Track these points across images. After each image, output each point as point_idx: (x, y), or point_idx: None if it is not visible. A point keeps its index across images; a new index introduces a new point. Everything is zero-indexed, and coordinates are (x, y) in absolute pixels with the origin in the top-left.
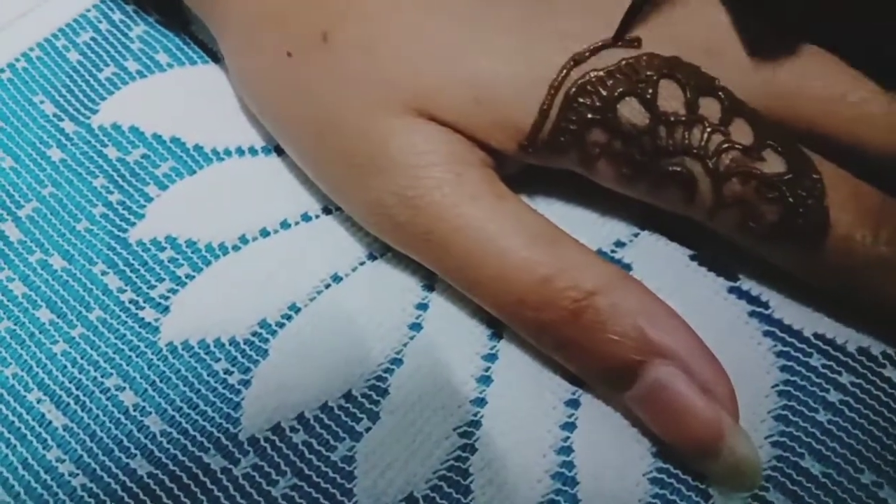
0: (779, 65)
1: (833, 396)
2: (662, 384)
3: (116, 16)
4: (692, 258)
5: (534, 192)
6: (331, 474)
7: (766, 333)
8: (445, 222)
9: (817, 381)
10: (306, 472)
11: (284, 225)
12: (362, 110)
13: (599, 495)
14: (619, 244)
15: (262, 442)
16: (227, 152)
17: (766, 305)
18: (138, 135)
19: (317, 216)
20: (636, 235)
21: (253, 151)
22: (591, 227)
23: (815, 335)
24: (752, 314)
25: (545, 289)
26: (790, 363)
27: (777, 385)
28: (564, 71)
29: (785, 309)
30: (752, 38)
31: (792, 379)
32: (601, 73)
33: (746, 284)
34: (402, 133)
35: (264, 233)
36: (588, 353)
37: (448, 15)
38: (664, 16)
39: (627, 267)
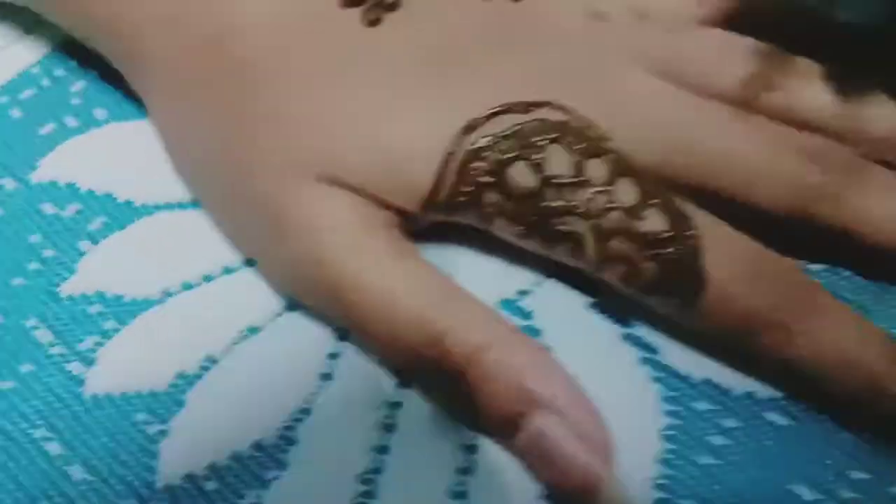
0: (673, 123)
1: (717, 441)
2: (541, 433)
3: (58, 72)
4: (591, 306)
5: (447, 242)
6: None
7: (656, 379)
8: (346, 283)
9: (702, 425)
10: None
11: (207, 278)
12: (271, 176)
13: None
14: (524, 292)
15: (177, 490)
16: (157, 206)
17: (656, 351)
18: (74, 191)
19: (238, 269)
20: (539, 284)
21: (181, 206)
22: (498, 276)
23: (704, 380)
24: (643, 360)
25: (436, 346)
26: (677, 408)
27: (664, 430)
28: (458, 137)
29: (676, 355)
30: (646, 96)
31: (678, 423)
32: (492, 139)
33: (640, 331)
34: (307, 198)
35: (186, 286)
36: (475, 405)
37: (353, 86)
38: (568, 76)
39: (529, 315)
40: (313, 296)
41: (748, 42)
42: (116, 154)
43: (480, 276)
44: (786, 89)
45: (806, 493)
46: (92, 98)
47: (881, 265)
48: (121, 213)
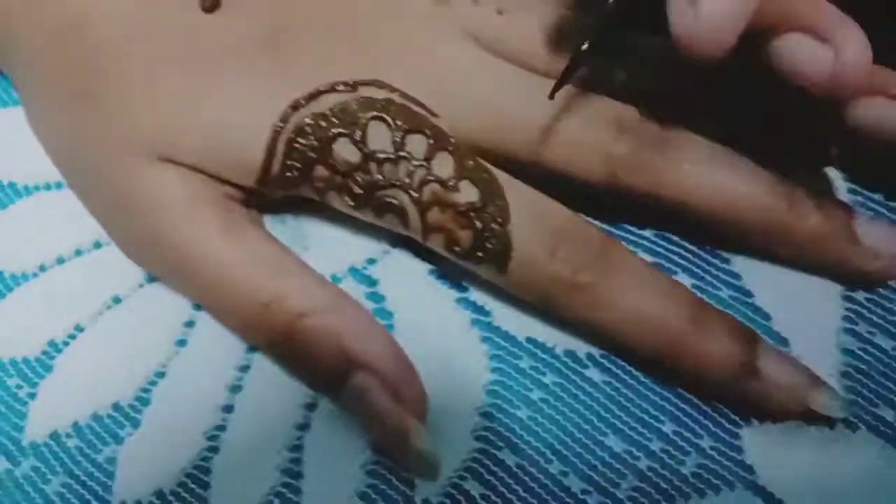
0: (493, 99)
1: (535, 395)
2: (359, 391)
3: None
4: (430, 272)
5: (299, 212)
6: (95, 473)
7: (484, 339)
8: (181, 257)
9: (523, 381)
10: (75, 471)
11: (77, 252)
12: (112, 158)
13: (321, 486)
14: (371, 261)
15: (41, 446)
16: (36, 187)
17: (487, 313)
18: None
19: (107, 243)
20: (387, 253)
21: (58, 186)
22: (348, 245)
23: (528, 339)
24: (474, 322)
25: (264, 313)
26: (501, 365)
27: (487, 385)
28: (285, 115)
29: (504, 316)
30: (469, 73)
31: (501, 379)
32: (317, 117)
33: (473, 295)
34: (145, 177)
35: (60, 260)
36: (302, 366)
37: (190, 71)
38: (387, 55)
39: (374, 282)
40: (156, 269)
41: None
42: (2, 138)
43: (331, 246)
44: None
45: (617, 444)
46: None
47: (703, 228)
48: (4, 194)
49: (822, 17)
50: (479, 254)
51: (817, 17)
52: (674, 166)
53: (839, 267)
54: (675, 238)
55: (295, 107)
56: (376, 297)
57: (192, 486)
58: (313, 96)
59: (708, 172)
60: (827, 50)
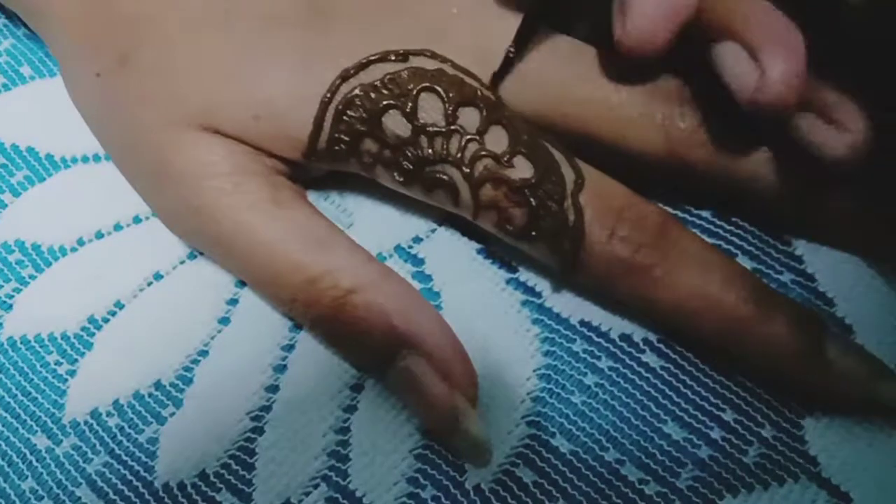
0: (548, 70)
1: (590, 380)
2: (408, 371)
3: None
4: (478, 252)
5: (344, 189)
6: (137, 453)
7: (535, 321)
8: (226, 228)
9: (577, 365)
10: (117, 451)
11: (117, 227)
12: (155, 127)
13: (368, 470)
14: (417, 240)
15: (82, 425)
16: (74, 160)
17: (538, 295)
18: None
19: (147, 218)
20: (433, 231)
21: (97, 158)
22: (392, 224)
23: (581, 322)
24: (524, 303)
25: (311, 288)
26: (553, 349)
27: (539, 369)
28: (334, 86)
29: (556, 298)
30: (522, 45)
31: (553, 363)
32: (366, 88)
33: (524, 276)
34: (188, 146)
35: (99, 234)
36: (349, 344)
37: (233, 39)
38: (437, 24)
39: (421, 261)
40: (199, 242)
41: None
42: (39, 109)
43: (377, 224)
44: None
45: (676, 431)
46: (18, 56)
47: (764, 210)
48: (42, 167)
49: (756, 31)
50: (533, 232)
51: (750, 31)
52: (737, 142)
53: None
54: (735, 219)
55: (344, 77)
56: (423, 277)
57: (237, 467)
58: (363, 66)
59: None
60: (754, 68)
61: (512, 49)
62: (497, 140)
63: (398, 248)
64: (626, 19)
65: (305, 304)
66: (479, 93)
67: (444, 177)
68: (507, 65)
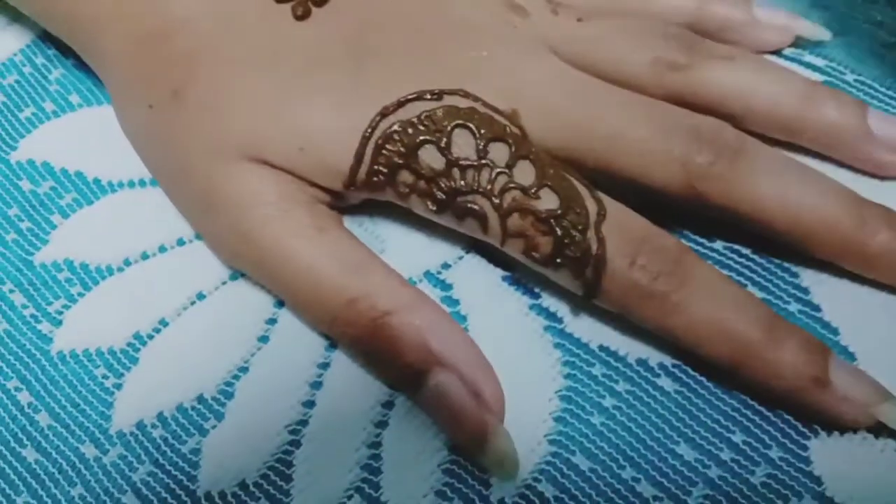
0: (573, 108)
1: (608, 402)
2: (440, 389)
3: (39, 60)
4: (503, 279)
5: (376, 216)
6: (180, 463)
7: (557, 345)
8: (271, 253)
9: (596, 388)
10: (161, 461)
11: (162, 249)
12: (205, 157)
13: (399, 483)
14: (445, 266)
15: (128, 436)
16: (121, 184)
17: (560, 320)
18: (49, 169)
19: (190, 241)
20: (461, 258)
21: (142, 183)
22: (424, 250)
23: (600, 347)
24: (546, 328)
25: (350, 310)
26: (574, 371)
27: (560, 391)
28: (374, 122)
29: (577, 323)
30: (548, 83)
31: (574, 385)
32: (404, 124)
33: (546, 302)
34: (237, 176)
35: (144, 255)
36: (384, 363)
37: (279, 78)
38: (469, 67)
39: (449, 286)
40: (244, 265)
41: (657, 26)
42: (87, 136)
43: (408, 250)
44: (688, 71)
45: (688, 452)
46: (68, 84)
47: (772, 241)
48: (90, 190)
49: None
50: (558, 260)
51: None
52: (750, 178)
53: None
54: (745, 251)
55: (384, 114)
56: (450, 302)
57: (275, 478)
58: (401, 104)
59: (781, 185)
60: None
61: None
62: (525, 173)
63: (427, 274)
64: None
65: (344, 324)
66: (507, 129)
67: (475, 207)
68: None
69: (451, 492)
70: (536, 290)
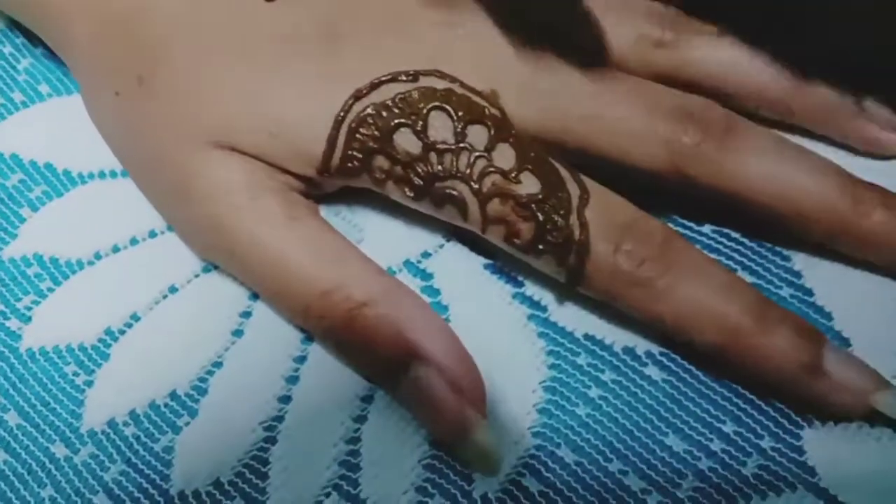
0: (552, 88)
1: (594, 392)
2: (418, 382)
3: (7, 49)
4: (485, 267)
5: (354, 205)
6: (153, 462)
7: (541, 335)
8: (241, 243)
9: (581, 378)
10: (133, 460)
11: (133, 241)
12: (173, 146)
13: (378, 479)
14: (426, 254)
15: (99, 434)
16: (91, 175)
17: (544, 309)
18: (17, 161)
19: (162, 232)
20: (441, 246)
21: (113, 174)
22: (403, 238)
23: (586, 336)
24: (530, 317)
25: (324, 301)
26: (559, 361)
27: (545, 381)
28: (347, 105)
29: (561, 312)
30: (526, 63)
31: (559, 376)
32: (378, 107)
33: (530, 290)
34: (205, 164)
35: (115, 249)
36: (361, 356)
37: (248, 61)
38: (444, 46)
39: (429, 276)
40: (216, 256)
41: (640, 3)
42: (57, 126)
43: (387, 239)
44: (674, 48)
45: (677, 443)
46: (37, 74)
47: (763, 224)
48: (59, 182)
49: None
50: (540, 246)
51: None
52: (739, 158)
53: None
54: (735, 234)
55: (357, 97)
56: (432, 291)
57: (250, 476)
58: (375, 86)
59: (772, 165)
60: None
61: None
62: (505, 157)
63: (407, 263)
64: None
65: (319, 316)
66: (486, 111)
67: (454, 192)
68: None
69: (433, 487)
70: (520, 278)
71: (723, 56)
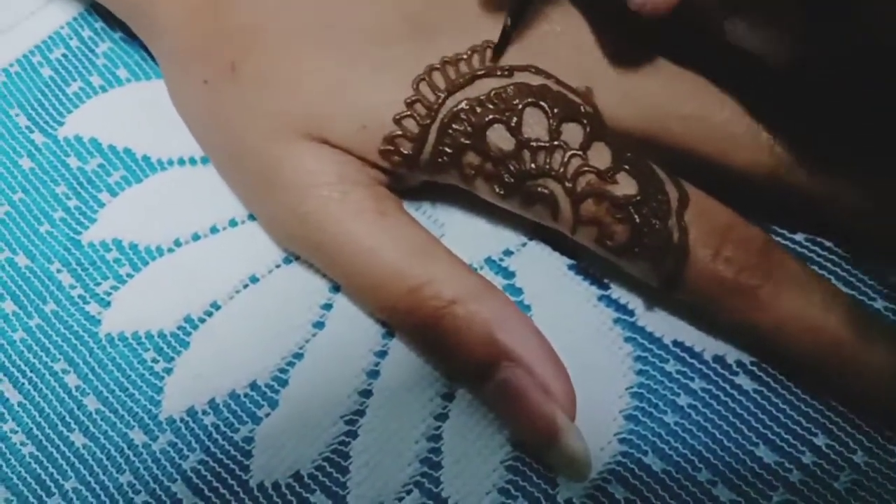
0: (651, 87)
1: (683, 400)
2: (508, 383)
3: (86, 33)
4: (570, 267)
5: (436, 200)
6: (232, 452)
7: (628, 339)
8: (330, 236)
9: (670, 385)
10: (212, 449)
11: (213, 230)
12: (263, 135)
13: (460, 478)
14: (508, 253)
15: (178, 422)
16: (171, 162)
17: (631, 313)
18: (96, 146)
19: (242, 222)
20: (524, 245)
21: (192, 161)
22: (485, 236)
23: (675, 342)
24: (616, 321)
25: (413, 297)
26: (646, 367)
27: (632, 387)
28: (440, 100)
29: (649, 317)
30: (625, 61)
31: (646, 382)
32: (472, 102)
33: (616, 293)
34: (295, 156)
35: (195, 237)
36: (448, 354)
37: (339, 51)
38: (540, 42)
39: (511, 274)
40: (301, 248)
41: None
42: (136, 111)
43: (468, 236)
44: None
45: (768, 455)
46: (115, 59)
47: (859, 234)
48: (139, 168)
49: None
50: (636, 249)
51: None
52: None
53: None
54: (828, 244)
55: (450, 91)
56: (513, 290)
57: (331, 470)
58: (470, 80)
59: None
60: None
61: (509, 21)
62: (600, 156)
63: (489, 261)
64: None
65: (406, 312)
66: (581, 109)
67: (546, 191)
68: (505, 38)
69: (515, 490)
70: (605, 280)
71: None
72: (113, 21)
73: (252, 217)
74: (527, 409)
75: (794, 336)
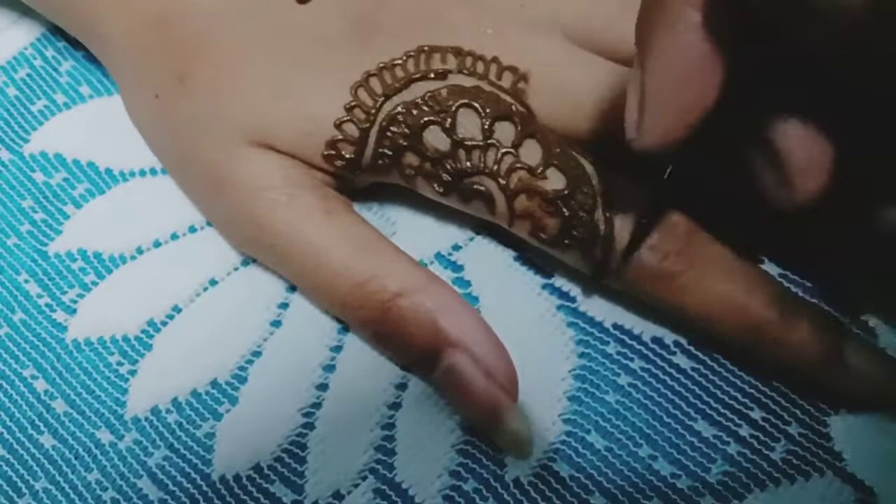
0: (578, 87)
1: (623, 380)
2: (453, 370)
3: (49, 52)
4: (515, 259)
5: (387, 200)
6: (195, 448)
7: (570, 324)
8: (281, 237)
9: (611, 366)
10: (176, 445)
11: (174, 236)
12: (213, 144)
13: (413, 463)
14: (456, 247)
15: (143, 421)
16: (132, 173)
17: (573, 300)
18: (61, 160)
19: (201, 228)
20: (471, 239)
21: (153, 172)
22: (434, 231)
23: (615, 325)
24: (559, 307)
25: (360, 292)
26: (588, 350)
27: (574, 370)
28: (378, 104)
29: (590, 302)
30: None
31: (588, 364)
32: (408, 105)
33: (559, 281)
34: (244, 162)
35: (157, 243)
36: (396, 345)
37: (283, 59)
38: (482, 45)
39: (460, 268)
40: (255, 250)
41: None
42: (99, 126)
43: (419, 232)
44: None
45: (706, 428)
46: (78, 76)
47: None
48: (102, 180)
49: None
50: (566, 241)
51: None
52: None
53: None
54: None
55: (387, 95)
56: (462, 283)
57: (289, 460)
58: (406, 84)
59: None
60: None
61: (645, 219)
62: (531, 153)
63: (438, 255)
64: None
65: (356, 307)
66: (513, 108)
67: (482, 188)
68: (643, 233)
69: (466, 472)
70: (548, 269)
71: None
72: (75, 40)
73: (210, 223)
74: (472, 394)
75: (719, 318)
